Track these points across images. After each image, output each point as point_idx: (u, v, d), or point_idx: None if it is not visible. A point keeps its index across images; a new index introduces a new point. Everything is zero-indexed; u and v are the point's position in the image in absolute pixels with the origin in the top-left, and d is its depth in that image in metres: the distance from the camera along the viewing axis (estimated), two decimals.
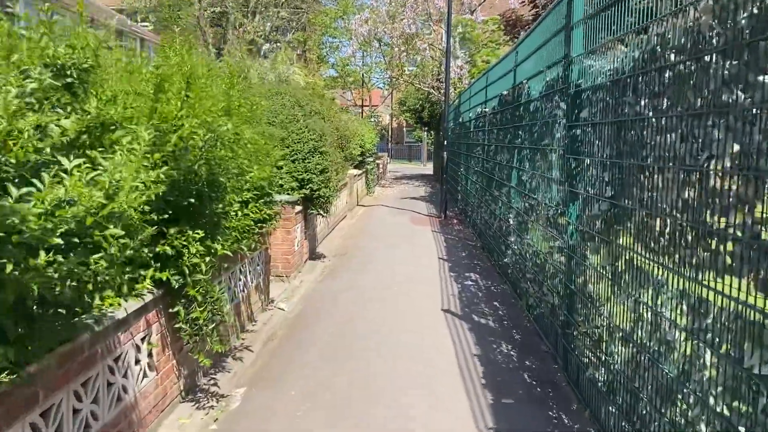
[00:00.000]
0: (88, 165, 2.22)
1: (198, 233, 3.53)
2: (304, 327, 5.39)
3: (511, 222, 6.42)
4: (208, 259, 3.61)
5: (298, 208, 7.41)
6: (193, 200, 3.54)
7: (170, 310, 3.55)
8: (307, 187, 7.57)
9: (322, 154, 7.89)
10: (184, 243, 3.46)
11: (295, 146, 7.65)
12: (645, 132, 2.80)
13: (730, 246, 2.01)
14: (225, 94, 4.31)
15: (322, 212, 8.02)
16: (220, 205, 3.72)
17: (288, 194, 7.42)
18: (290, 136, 7.73)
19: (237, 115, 4.75)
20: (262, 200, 5.15)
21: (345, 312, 5.78)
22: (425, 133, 36.33)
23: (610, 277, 3.28)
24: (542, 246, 5.02)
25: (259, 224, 5.20)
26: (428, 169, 34.26)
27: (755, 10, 1.93)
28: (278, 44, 26.05)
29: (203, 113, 3.39)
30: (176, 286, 3.47)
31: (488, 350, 4.73)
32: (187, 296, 3.55)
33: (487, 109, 8.88)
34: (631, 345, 2.92)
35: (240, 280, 5.16)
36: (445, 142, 12.33)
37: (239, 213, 4.42)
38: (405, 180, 24.91)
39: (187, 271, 3.50)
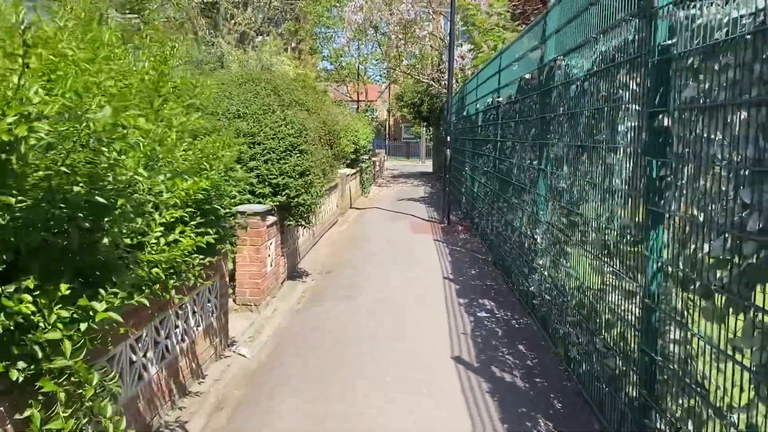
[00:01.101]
0: None
1: (61, 289, 2.14)
2: (268, 385, 3.99)
3: (539, 240, 5.02)
4: (83, 326, 2.21)
5: (271, 219, 6.01)
6: (54, 234, 2.15)
7: (17, 416, 2.16)
8: (283, 193, 6.17)
9: (303, 153, 6.48)
10: (36, 308, 2.07)
11: (268, 143, 6.24)
12: None
13: None
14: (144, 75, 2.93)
15: (302, 223, 6.62)
16: (105, 239, 2.32)
17: (260, 202, 6.02)
18: (262, 130, 6.32)
19: (171, 100, 3.38)
20: (212, 216, 3.76)
21: (325, 361, 4.38)
22: (424, 128, 34.92)
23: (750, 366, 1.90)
24: (592, 280, 3.64)
25: (212, 247, 3.83)
26: (427, 166, 32.85)
27: None
28: (270, 37, 24.64)
29: (65, 91, 2.00)
30: (20, 380, 2.07)
31: None
32: (45, 393, 2.16)
33: (500, 99, 7.47)
34: None
35: (177, 327, 3.76)
36: (448, 138, 10.93)
37: (162, 241, 3.03)
38: (403, 179, 23.50)
39: (41, 354, 2.10)
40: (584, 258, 3.82)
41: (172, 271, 3.21)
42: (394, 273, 7.21)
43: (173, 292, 3.20)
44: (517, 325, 5.20)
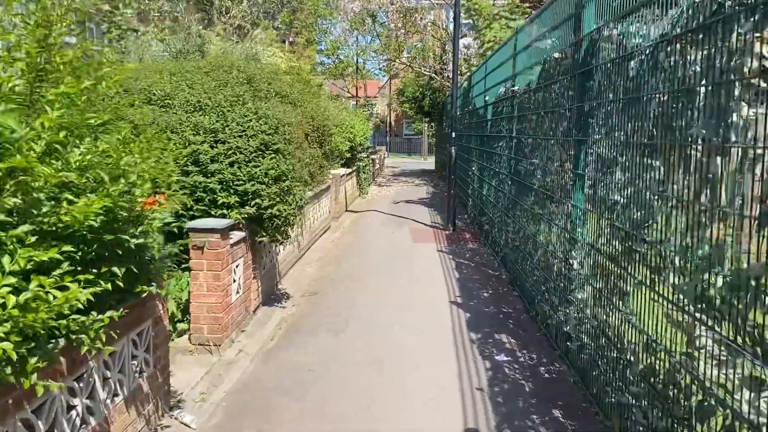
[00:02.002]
0: None
1: None
2: None
3: (576, 265, 3.86)
4: None
5: (237, 236, 4.86)
6: None
7: None
8: (253, 203, 5.01)
9: (279, 154, 5.33)
10: None
11: (233, 141, 5.08)
12: None
13: None
14: None
15: (278, 239, 5.46)
16: None
17: (223, 215, 4.87)
18: (228, 126, 5.17)
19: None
20: (118, 250, 2.60)
21: None
22: (426, 124, 33.73)
23: None
24: (674, 339, 2.48)
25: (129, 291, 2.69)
26: (429, 163, 31.68)
27: None
28: (261, 27, 23.44)
29: None
30: None
31: None
32: None
33: (516, 88, 6.30)
34: None
35: (72, 409, 2.61)
36: (453, 135, 9.74)
37: (11, 301, 1.89)
38: (404, 177, 22.31)
39: None
40: (657, 304, 2.66)
41: (33, 344, 2.07)
42: (390, 295, 6.06)
43: (34, 376, 2.04)
44: (547, 375, 4.04)
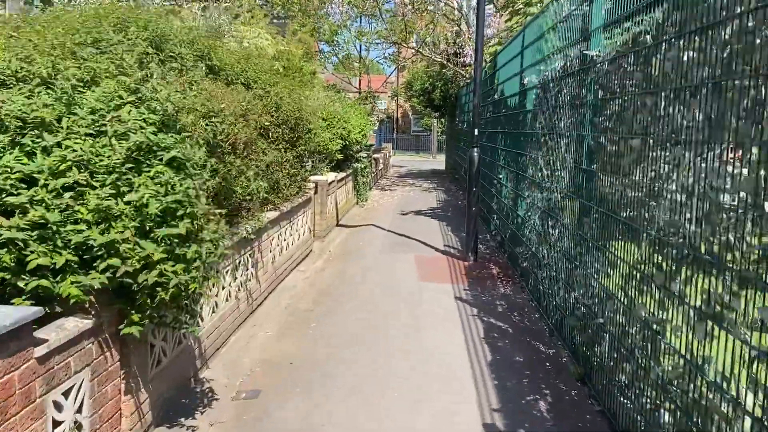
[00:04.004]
0: None
1: None
2: None
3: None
4: None
5: (68, 331, 2.40)
6: None
7: None
8: (103, 265, 2.55)
9: (175, 168, 2.89)
10: None
11: (78, 145, 2.64)
12: None
13: None
14: None
15: (168, 322, 2.98)
16: None
17: (45, 288, 2.43)
18: (71, 117, 2.73)
19: None
20: None
21: None
22: (436, 120, 31.18)
23: None
24: None
25: None
26: (439, 162, 29.14)
27: None
28: (257, 10, 21.00)
29: None
30: None
31: None
32: None
33: (595, 53, 3.80)
34: None
35: None
36: (476, 133, 7.22)
37: None
38: (411, 179, 19.79)
39: None
40: None
41: None
42: (380, 401, 3.60)
43: None
44: None
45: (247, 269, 4.94)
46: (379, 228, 9.81)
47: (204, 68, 4.56)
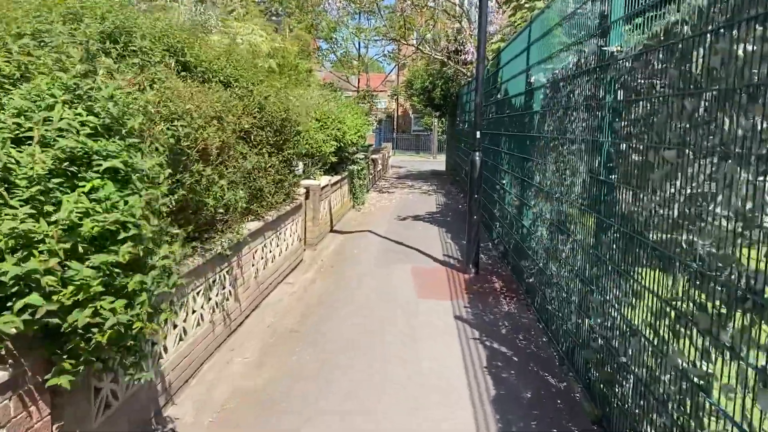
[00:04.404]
0: None
1: None
2: None
3: None
4: None
5: None
6: None
7: None
8: (19, 305, 2.06)
9: (123, 182, 2.42)
10: None
11: None
12: None
13: None
14: None
15: (114, 368, 2.51)
16: None
17: None
18: None
19: None
20: None
21: None
22: (436, 119, 30.67)
23: None
24: None
25: None
26: (439, 162, 28.64)
27: None
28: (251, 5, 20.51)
29: None
30: None
31: None
32: None
33: (615, 49, 3.32)
34: None
35: None
36: (478, 135, 6.73)
37: None
38: (410, 181, 19.30)
39: None
40: None
41: None
42: None
43: None
44: None
45: (224, 288, 4.46)
46: (375, 234, 9.33)
47: (174, 65, 4.08)
